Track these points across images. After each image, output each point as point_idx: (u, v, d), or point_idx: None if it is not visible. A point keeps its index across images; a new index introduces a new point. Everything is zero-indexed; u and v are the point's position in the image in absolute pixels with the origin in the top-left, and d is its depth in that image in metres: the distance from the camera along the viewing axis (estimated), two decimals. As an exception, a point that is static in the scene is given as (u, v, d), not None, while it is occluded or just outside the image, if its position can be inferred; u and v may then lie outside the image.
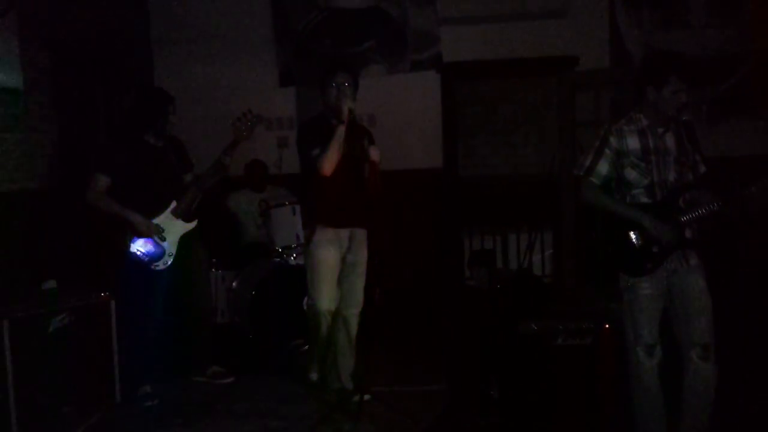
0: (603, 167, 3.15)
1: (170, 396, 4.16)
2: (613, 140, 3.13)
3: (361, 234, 3.98)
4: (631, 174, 3.12)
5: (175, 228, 4.14)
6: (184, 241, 4.17)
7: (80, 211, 4.17)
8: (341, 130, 3.75)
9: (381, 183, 3.88)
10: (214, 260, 5.17)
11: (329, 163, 3.75)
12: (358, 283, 4.02)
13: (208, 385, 4.37)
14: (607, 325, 3.45)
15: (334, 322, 4.01)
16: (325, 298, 3.93)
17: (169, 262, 4.10)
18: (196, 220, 4.25)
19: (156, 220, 4.07)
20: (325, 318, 3.94)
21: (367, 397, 3.78)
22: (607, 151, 3.14)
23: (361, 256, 3.99)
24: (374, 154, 3.84)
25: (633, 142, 3.11)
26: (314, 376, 4.13)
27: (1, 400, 3.50)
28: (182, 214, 4.16)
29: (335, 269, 3.96)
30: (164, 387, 4.20)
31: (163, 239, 4.08)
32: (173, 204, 4.13)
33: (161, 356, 4.24)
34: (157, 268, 4.08)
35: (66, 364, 3.85)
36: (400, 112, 5.87)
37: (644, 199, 3.13)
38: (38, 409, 3.70)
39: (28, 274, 4.26)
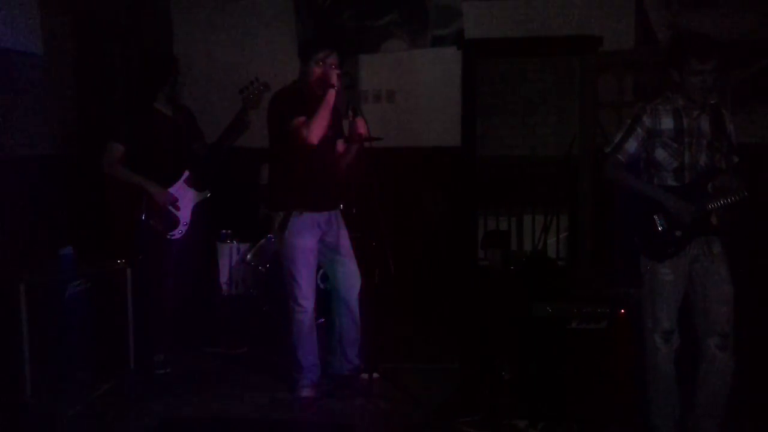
0: (631, 146, 3.11)
1: (183, 364, 4.19)
2: (646, 119, 3.08)
3: (337, 215, 3.84)
4: (661, 154, 3.07)
5: (188, 197, 4.15)
6: (197, 210, 4.18)
7: (98, 178, 4.16)
8: (332, 94, 3.53)
9: (362, 160, 3.72)
10: (228, 231, 5.16)
11: (319, 129, 3.52)
12: (350, 263, 3.84)
13: (220, 355, 4.39)
14: (622, 310, 3.41)
15: (336, 305, 3.86)
16: (304, 292, 3.67)
17: (184, 231, 4.12)
18: (209, 190, 4.26)
19: (171, 189, 4.08)
20: (307, 315, 3.69)
21: (375, 375, 3.77)
22: (638, 129, 3.09)
23: (343, 236, 3.83)
24: (361, 125, 3.69)
25: (667, 122, 3.06)
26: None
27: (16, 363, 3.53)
28: (195, 183, 4.16)
29: (314, 259, 3.73)
30: (177, 355, 4.23)
31: (178, 208, 4.09)
32: (186, 173, 4.13)
33: (175, 325, 4.27)
34: (173, 237, 4.10)
35: (81, 329, 3.87)
36: (420, 89, 5.80)
37: (672, 182, 3.08)
38: (53, 374, 3.73)
39: (45, 240, 4.27)
